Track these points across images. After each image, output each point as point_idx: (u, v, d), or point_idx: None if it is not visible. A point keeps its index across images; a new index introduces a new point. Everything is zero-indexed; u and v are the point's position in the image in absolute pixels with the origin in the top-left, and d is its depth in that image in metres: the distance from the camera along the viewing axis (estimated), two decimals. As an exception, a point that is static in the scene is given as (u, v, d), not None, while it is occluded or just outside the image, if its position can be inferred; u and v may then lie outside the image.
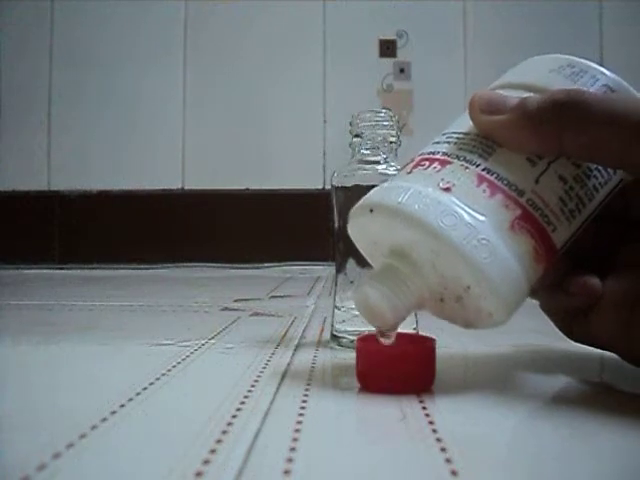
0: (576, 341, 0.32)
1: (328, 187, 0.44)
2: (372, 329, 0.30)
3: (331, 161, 1.27)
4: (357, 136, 0.41)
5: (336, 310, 0.42)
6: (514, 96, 0.29)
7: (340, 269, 0.42)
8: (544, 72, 0.30)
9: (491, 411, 0.27)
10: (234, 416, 0.26)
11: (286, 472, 0.20)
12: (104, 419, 0.26)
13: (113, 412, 0.27)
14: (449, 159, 0.28)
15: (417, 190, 0.27)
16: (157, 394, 0.30)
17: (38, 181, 1.28)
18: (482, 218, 0.26)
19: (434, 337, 0.32)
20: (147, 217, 1.25)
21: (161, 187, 1.27)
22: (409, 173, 0.29)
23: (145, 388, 0.30)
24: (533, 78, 0.30)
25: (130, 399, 0.29)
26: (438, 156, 0.29)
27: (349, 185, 0.40)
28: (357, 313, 0.41)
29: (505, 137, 0.28)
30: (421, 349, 0.31)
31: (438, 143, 0.30)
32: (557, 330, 0.32)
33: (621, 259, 0.30)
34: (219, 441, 0.23)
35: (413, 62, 1.30)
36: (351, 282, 0.41)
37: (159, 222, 1.25)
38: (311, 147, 1.29)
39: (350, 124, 0.42)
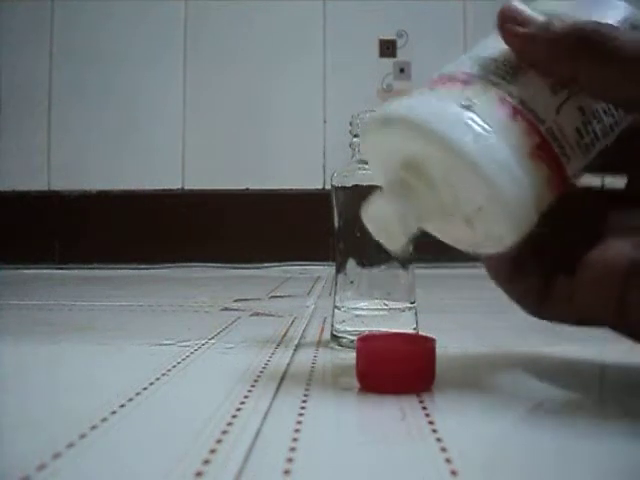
0: (546, 319, 0.30)
1: (328, 187, 0.44)
2: (372, 329, 0.30)
3: (331, 161, 1.26)
4: (357, 136, 0.41)
5: (336, 310, 0.42)
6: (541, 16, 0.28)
7: (340, 269, 0.42)
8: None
9: (491, 411, 0.27)
10: (234, 416, 0.26)
11: (286, 472, 0.20)
12: (104, 419, 0.26)
13: (113, 412, 0.27)
14: (472, 79, 0.28)
15: (439, 106, 0.27)
16: (157, 394, 0.30)
17: (38, 181, 1.28)
18: (502, 140, 0.26)
19: (434, 337, 0.32)
20: (147, 217, 1.25)
21: (161, 187, 1.27)
22: (431, 90, 0.29)
23: (145, 388, 0.30)
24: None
25: (130, 399, 0.29)
26: (459, 75, 0.28)
27: (349, 185, 0.40)
28: (357, 313, 0.41)
29: (529, 51, 0.28)
30: (421, 349, 0.31)
31: (460, 64, 0.29)
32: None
33: (615, 225, 0.29)
34: (219, 441, 0.23)
35: (413, 62, 1.30)
36: (351, 282, 0.41)
37: (159, 222, 1.25)
38: (311, 147, 1.29)
39: (350, 124, 0.42)
